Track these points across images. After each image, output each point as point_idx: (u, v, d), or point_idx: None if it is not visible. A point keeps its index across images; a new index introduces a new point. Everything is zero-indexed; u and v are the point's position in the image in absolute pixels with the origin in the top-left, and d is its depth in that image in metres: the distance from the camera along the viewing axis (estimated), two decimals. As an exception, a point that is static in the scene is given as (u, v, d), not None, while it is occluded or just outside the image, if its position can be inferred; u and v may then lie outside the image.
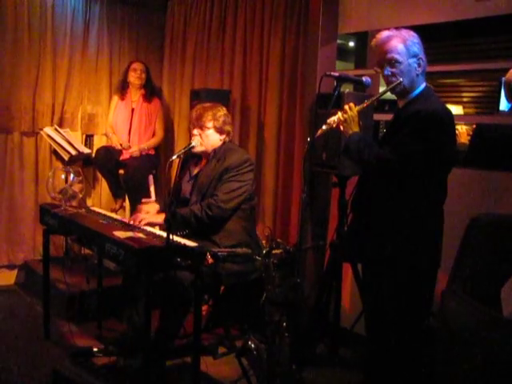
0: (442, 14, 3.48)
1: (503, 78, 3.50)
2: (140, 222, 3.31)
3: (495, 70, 3.65)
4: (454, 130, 2.64)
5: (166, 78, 5.62)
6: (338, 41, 4.19)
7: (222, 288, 3.52)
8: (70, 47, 5.12)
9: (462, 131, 4.55)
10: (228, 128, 3.56)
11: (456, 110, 5.74)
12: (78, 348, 3.59)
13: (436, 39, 3.91)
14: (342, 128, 2.71)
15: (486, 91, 5.72)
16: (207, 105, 3.59)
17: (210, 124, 3.48)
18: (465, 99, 5.94)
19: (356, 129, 2.68)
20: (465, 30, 3.71)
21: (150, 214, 3.49)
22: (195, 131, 3.49)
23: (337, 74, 2.81)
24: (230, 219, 3.44)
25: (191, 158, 3.71)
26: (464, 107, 5.88)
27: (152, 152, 5.18)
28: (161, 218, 3.38)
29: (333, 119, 2.71)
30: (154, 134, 5.21)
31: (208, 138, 3.48)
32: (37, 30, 4.91)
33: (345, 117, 2.68)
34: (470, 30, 3.70)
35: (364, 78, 2.82)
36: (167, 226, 2.82)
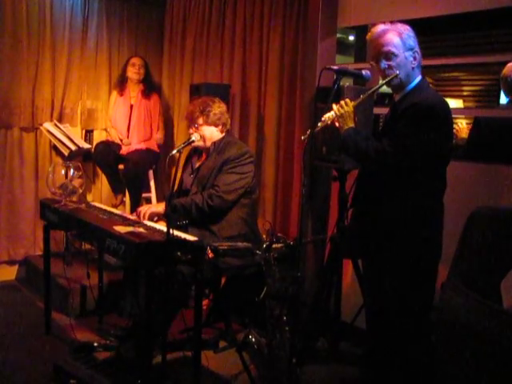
0: (442, 8, 3.47)
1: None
2: (144, 214, 3.31)
3: (495, 63, 3.65)
4: (451, 121, 2.64)
5: (165, 73, 5.61)
6: (338, 35, 4.18)
7: (223, 282, 3.52)
8: (69, 42, 5.11)
9: (463, 127, 4.53)
10: (221, 119, 3.57)
11: (456, 103, 5.72)
12: (79, 343, 3.60)
13: (436, 32, 3.90)
14: (337, 124, 2.71)
15: (486, 85, 5.71)
16: (197, 101, 3.63)
17: (200, 120, 3.52)
18: (465, 93, 5.93)
19: (351, 124, 2.69)
20: (465, 24, 3.70)
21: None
22: (191, 130, 3.55)
23: (336, 67, 2.81)
24: (231, 211, 3.46)
25: (194, 152, 3.73)
26: (464, 101, 5.86)
27: (156, 148, 5.17)
28: (161, 207, 3.40)
29: (328, 116, 2.71)
30: (158, 129, 5.21)
31: (204, 133, 3.53)
32: (36, 26, 4.90)
33: (341, 112, 2.69)
34: (470, 23, 3.69)
35: (364, 72, 2.81)
36: (167, 221, 2.82)
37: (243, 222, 3.48)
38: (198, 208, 3.35)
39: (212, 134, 3.53)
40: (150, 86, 5.18)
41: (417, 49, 2.64)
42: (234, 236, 3.37)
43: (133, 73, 5.07)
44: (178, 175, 3.66)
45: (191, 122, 3.54)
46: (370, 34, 2.71)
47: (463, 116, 4.53)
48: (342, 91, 3.32)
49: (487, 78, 5.43)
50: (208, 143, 3.53)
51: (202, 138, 3.51)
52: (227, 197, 3.39)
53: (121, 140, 5.06)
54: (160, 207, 3.42)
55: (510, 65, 3.44)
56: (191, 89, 4.73)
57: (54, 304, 3.92)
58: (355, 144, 2.65)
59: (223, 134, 3.58)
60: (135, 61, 5.10)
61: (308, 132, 2.73)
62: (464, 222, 2.50)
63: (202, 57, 5.15)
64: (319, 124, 2.70)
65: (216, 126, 3.54)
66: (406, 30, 2.63)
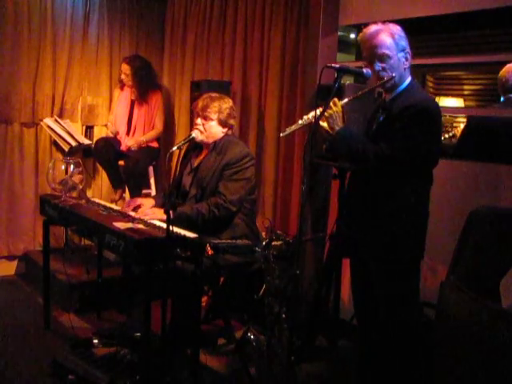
0: (444, 6, 3.47)
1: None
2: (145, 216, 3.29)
3: (496, 62, 3.65)
4: (441, 120, 2.66)
5: (166, 69, 5.61)
6: (339, 33, 4.18)
7: (222, 279, 3.52)
8: (70, 38, 5.11)
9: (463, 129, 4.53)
10: (232, 121, 3.56)
11: (457, 102, 5.73)
12: (78, 338, 3.60)
13: (437, 31, 3.90)
14: (326, 124, 2.69)
15: (487, 84, 5.70)
16: (214, 95, 3.56)
17: (214, 116, 3.46)
18: (465, 92, 5.93)
19: (341, 124, 2.67)
20: (466, 23, 3.70)
21: (149, 207, 3.46)
22: (199, 120, 3.48)
23: (337, 65, 2.80)
24: (233, 215, 3.45)
25: (193, 149, 3.70)
26: (465, 100, 5.87)
27: (156, 145, 5.17)
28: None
29: (306, 117, 2.71)
30: (153, 127, 5.19)
31: (210, 130, 3.48)
32: (37, 21, 4.90)
33: (330, 113, 2.67)
34: (470, 22, 3.68)
35: (365, 70, 2.80)
36: (167, 217, 2.81)
37: (244, 223, 3.48)
38: (203, 218, 3.33)
39: (217, 133, 3.50)
40: (143, 91, 5.07)
41: (408, 49, 2.65)
42: (236, 238, 3.37)
43: (123, 78, 5.06)
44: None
45: (202, 113, 3.47)
46: (361, 34, 2.70)
47: (463, 116, 4.54)
48: (343, 89, 3.32)
49: (488, 78, 5.43)
50: (210, 139, 3.51)
51: (207, 132, 3.47)
52: (233, 207, 3.39)
53: (117, 133, 5.06)
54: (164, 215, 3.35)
55: (508, 66, 3.44)
56: (192, 85, 4.73)
57: (53, 299, 3.92)
58: (348, 146, 2.65)
59: (225, 133, 3.55)
60: (123, 68, 5.02)
61: (287, 130, 2.76)
62: (463, 221, 2.51)
63: (203, 54, 5.14)
64: (300, 121, 2.72)
65: (224, 127, 3.51)
66: (398, 31, 2.64)
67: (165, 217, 3.29)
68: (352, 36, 4.78)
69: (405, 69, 2.65)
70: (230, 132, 3.56)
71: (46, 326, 3.79)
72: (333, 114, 2.67)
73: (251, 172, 3.48)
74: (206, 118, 3.46)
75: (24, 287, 4.65)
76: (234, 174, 3.40)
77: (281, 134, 2.82)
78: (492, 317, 1.99)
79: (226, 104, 3.51)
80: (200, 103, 3.50)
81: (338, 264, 3.58)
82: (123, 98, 5.15)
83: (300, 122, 2.72)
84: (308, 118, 2.71)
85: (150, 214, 3.31)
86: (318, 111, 2.64)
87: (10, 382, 3.12)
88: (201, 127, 3.46)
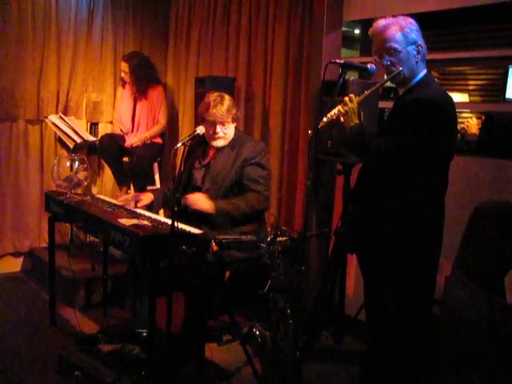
0: (449, 1, 3.46)
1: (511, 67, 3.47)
2: (192, 204, 3.32)
3: (501, 57, 3.63)
4: (454, 117, 2.60)
5: (170, 66, 5.61)
6: (344, 28, 4.17)
7: (227, 275, 3.53)
8: (75, 35, 5.12)
9: (473, 123, 4.51)
10: (238, 114, 3.60)
11: (462, 97, 5.71)
12: (84, 335, 3.61)
13: (441, 26, 3.88)
14: (342, 120, 2.68)
15: (492, 79, 5.68)
16: (219, 97, 3.48)
17: (229, 118, 3.46)
18: (470, 87, 5.91)
19: (356, 120, 2.65)
20: (471, 17, 3.68)
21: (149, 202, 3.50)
22: (218, 129, 3.43)
23: (342, 61, 2.80)
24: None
25: (198, 145, 3.70)
26: (470, 95, 5.85)
27: (160, 141, 5.17)
28: (210, 206, 3.33)
29: (333, 112, 2.68)
30: (157, 122, 5.19)
31: (229, 131, 3.48)
32: (41, 18, 4.90)
33: (345, 109, 2.65)
34: (476, 17, 3.67)
35: (369, 66, 2.80)
36: (172, 214, 2.82)
37: (256, 218, 3.50)
38: (245, 213, 3.37)
39: (233, 131, 3.52)
40: (143, 88, 5.06)
41: (420, 42, 2.60)
42: (247, 232, 3.37)
43: (123, 76, 5.08)
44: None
45: (220, 120, 3.42)
46: (371, 29, 2.68)
47: (468, 110, 4.52)
48: (348, 85, 3.32)
49: (493, 73, 5.41)
50: (228, 141, 3.51)
51: (227, 135, 3.47)
52: (267, 203, 3.48)
53: (121, 130, 5.07)
54: (210, 205, 3.31)
55: None
56: (196, 82, 4.73)
57: (59, 296, 3.94)
58: (357, 142, 2.63)
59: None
60: (122, 66, 5.05)
61: (312, 128, 2.73)
62: (468, 216, 2.50)
63: (207, 50, 5.14)
64: (324, 119, 2.69)
65: (234, 122, 3.52)
66: (409, 24, 2.59)
67: (207, 207, 3.30)
68: (356, 31, 4.77)
69: (417, 62, 2.60)
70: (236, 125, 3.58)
71: (52, 322, 3.80)
72: (348, 111, 2.65)
73: (268, 162, 3.56)
74: (224, 124, 3.45)
75: (30, 284, 4.67)
76: (258, 166, 3.44)
77: (309, 132, 2.81)
78: (497, 312, 1.98)
79: (229, 100, 3.50)
80: (214, 112, 3.42)
81: (343, 259, 3.59)
82: (125, 96, 5.15)
83: (324, 119, 2.69)
84: (330, 116, 2.69)
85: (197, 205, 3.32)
86: (336, 109, 2.65)
87: (17, 378, 3.13)
88: (221, 134, 3.45)
